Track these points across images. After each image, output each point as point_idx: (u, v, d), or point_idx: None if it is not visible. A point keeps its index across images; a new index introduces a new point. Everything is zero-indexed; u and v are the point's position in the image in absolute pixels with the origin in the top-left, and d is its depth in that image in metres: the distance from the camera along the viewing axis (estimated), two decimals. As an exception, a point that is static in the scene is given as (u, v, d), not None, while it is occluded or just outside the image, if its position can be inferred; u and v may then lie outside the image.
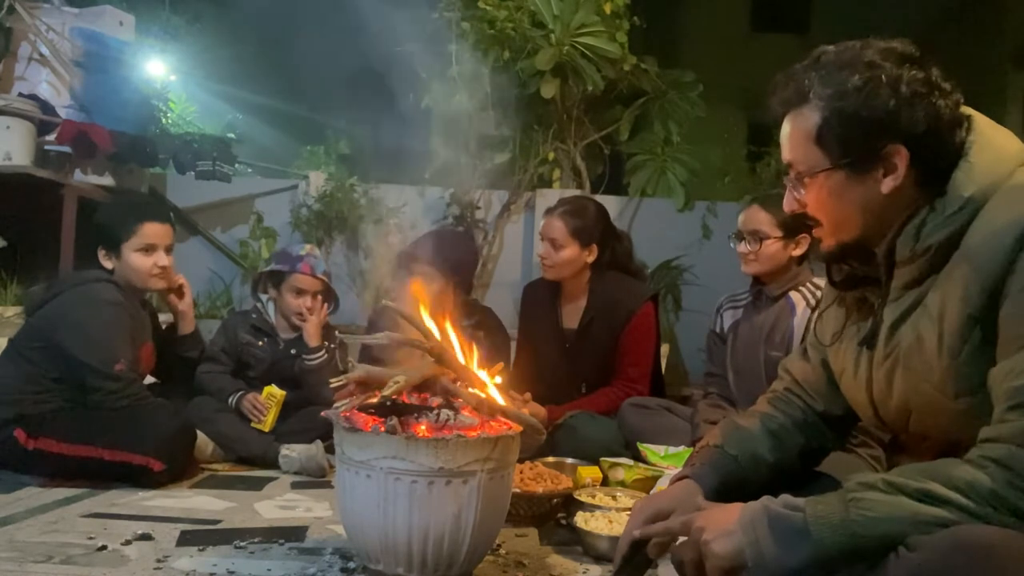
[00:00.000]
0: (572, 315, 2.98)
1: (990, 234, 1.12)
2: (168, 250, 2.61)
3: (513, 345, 3.30)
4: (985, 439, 1.07)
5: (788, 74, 1.27)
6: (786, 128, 1.28)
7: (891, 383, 1.25)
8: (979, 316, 1.11)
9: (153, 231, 2.56)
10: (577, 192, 4.57)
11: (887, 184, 1.20)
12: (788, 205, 1.31)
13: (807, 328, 2.42)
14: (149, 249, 2.55)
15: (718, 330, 2.73)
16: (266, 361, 2.97)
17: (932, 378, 1.18)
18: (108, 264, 2.55)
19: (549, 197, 4.58)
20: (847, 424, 1.48)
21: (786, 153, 1.29)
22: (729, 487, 1.39)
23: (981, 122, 1.22)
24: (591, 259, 2.91)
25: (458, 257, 3.02)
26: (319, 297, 2.96)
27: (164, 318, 2.98)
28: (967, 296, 1.12)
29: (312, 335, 2.92)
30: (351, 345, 3.16)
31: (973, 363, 1.13)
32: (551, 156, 4.65)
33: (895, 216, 1.21)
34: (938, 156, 1.18)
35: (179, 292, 2.81)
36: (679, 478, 1.43)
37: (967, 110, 1.22)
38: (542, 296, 3.08)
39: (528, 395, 2.68)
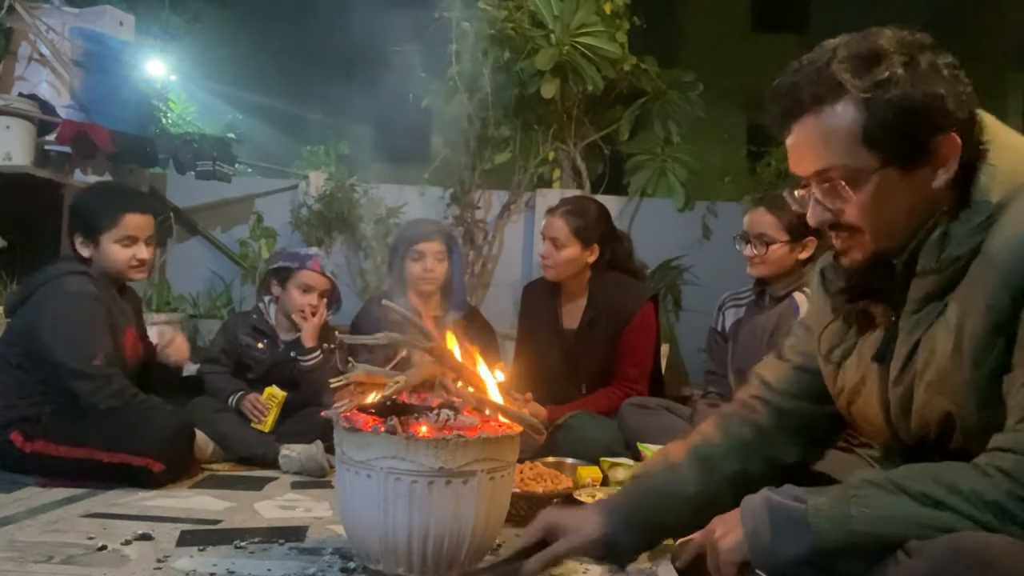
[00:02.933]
0: (572, 315, 2.99)
1: (1015, 238, 1.05)
2: (149, 241, 2.53)
3: (510, 345, 3.31)
4: (995, 447, 1.04)
5: (802, 72, 1.13)
6: (809, 132, 1.13)
7: (910, 402, 1.18)
8: (1003, 323, 1.05)
9: (134, 223, 2.48)
10: (577, 192, 4.57)
11: (940, 178, 1.10)
12: (816, 218, 1.17)
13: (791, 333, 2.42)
14: (129, 241, 2.47)
15: (720, 328, 2.73)
16: (265, 363, 2.97)
17: (951, 392, 1.11)
18: (85, 252, 2.48)
19: (549, 197, 4.58)
20: (820, 432, 1.39)
21: (816, 160, 1.14)
22: (647, 519, 1.34)
23: (991, 122, 1.15)
24: (592, 259, 2.91)
25: (456, 242, 3.12)
26: (323, 298, 2.97)
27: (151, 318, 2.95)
28: (994, 305, 1.05)
29: (308, 336, 2.92)
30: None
31: (996, 373, 1.07)
32: (551, 156, 4.65)
33: (932, 216, 1.12)
34: (976, 145, 1.11)
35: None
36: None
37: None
38: (542, 296, 3.09)
39: (529, 395, 2.69)
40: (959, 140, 1.09)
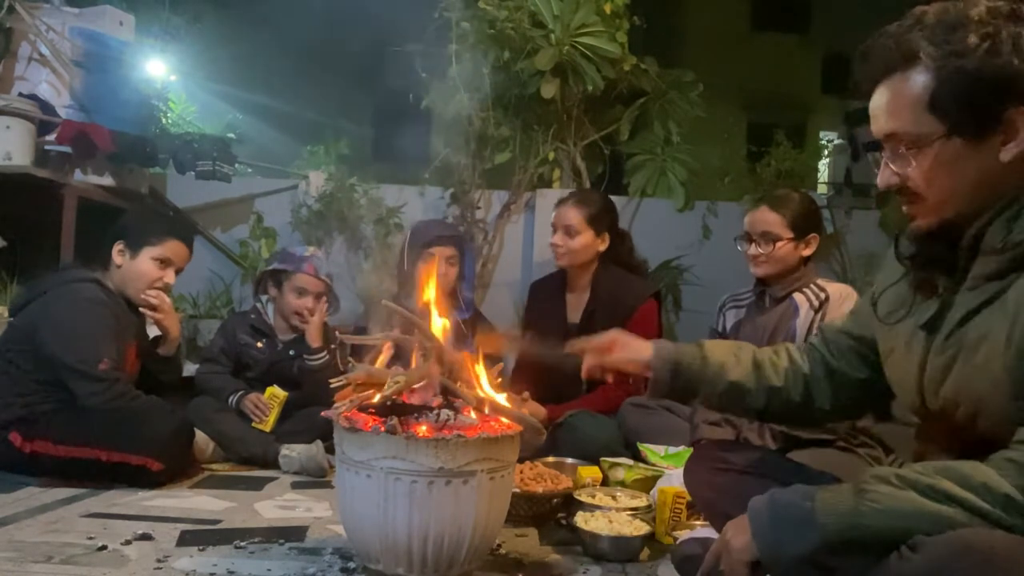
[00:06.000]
0: (576, 309, 3.03)
1: None
2: (178, 271, 2.65)
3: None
4: (1018, 441, 1.04)
5: (885, 36, 1.16)
6: (884, 95, 1.17)
7: (947, 373, 1.18)
8: None
9: (176, 249, 2.60)
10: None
11: (1008, 151, 1.10)
12: (885, 181, 1.20)
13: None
14: (165, 263, 2.58)
15: (720, 329, 2.73)
16: (265, 362, 2.97)
17: (992, 376, 1.11)
18: (119, 260, 2.55)
19: (549, 197, 4.57)
20: (852, 393, 1.46)
21: (886, 123, 1.17)
22: (687, 374, 1.50)
23: None
24: (603, 248, 2.99)
25: (468, 246, 3.22)
26: (320, 299, 2.97)
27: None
28: None
29: (314, 336, 2.92)
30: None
31: None
32: (551, 156, 4.63)
33: (1005, 191, 1.12)
34: None
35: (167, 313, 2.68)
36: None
37: None
38: (549, 292, 3.14)
39: (527, 394, 2.70)
40: None
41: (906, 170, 1.17)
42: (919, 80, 1.12)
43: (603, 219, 2.98)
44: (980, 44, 1.08)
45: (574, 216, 2.94)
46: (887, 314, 1.32)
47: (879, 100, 1.18)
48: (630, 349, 1.59)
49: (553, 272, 3.21)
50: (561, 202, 3.05)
